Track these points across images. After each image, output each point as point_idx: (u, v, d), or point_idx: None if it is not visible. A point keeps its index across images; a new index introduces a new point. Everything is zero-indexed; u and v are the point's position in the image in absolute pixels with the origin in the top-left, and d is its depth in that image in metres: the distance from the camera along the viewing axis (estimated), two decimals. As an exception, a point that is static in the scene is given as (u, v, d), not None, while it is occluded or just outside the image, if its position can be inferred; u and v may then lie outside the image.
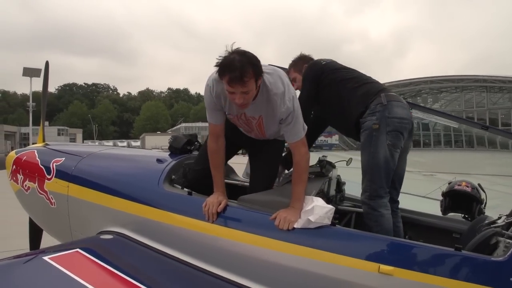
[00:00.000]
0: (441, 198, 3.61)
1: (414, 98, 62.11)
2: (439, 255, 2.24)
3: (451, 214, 3.58)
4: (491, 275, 2.13)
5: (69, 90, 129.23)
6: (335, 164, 3.10)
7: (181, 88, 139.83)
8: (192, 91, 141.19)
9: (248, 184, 3.73)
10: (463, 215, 3.53)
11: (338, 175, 3.33)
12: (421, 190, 4.30)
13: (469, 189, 3.50)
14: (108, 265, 2.55)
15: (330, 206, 2.49)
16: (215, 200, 2.69)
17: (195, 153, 3.64)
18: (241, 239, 2.58)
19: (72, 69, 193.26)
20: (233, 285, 2.53)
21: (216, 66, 2.42)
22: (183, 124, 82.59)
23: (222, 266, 2.61)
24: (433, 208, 3.54)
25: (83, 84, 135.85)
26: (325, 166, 2.97)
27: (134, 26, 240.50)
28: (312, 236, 2.45)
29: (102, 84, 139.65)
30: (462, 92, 60.18)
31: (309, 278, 2.38)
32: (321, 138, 3.23)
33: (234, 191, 3.47)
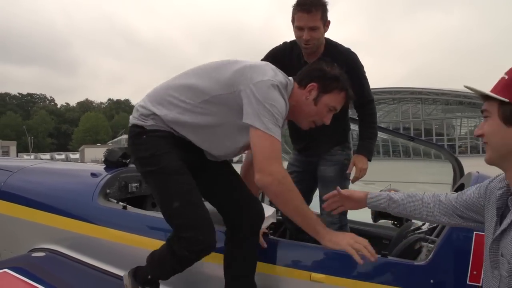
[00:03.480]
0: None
1: (353, 110, 64.15)
2: (367, 262, 2.35)
3: (381, 221, 3.76)
4: (415, 278, 2.28)
5: (1, 100, 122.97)
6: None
7: (122, 99, 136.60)
8: (134, 101, 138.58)
9: None
10: (392, 222, 3.72)
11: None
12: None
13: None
14: (40, 284, 2.47)
15: (272, 208, 2.56)
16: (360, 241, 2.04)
17: (132, 166, 3.60)
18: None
19: (6, 78, 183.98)
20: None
21: None
22: (124, 136, 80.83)
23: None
24: (366, 216, 3.69)
25: (17, 94, 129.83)
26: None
27: (73, 34, 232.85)
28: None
29: (38, 94, 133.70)
30: (399, 104, 62.83)
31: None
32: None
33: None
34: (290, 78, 2.25)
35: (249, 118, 2.00)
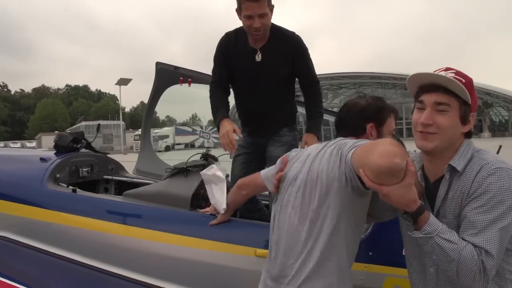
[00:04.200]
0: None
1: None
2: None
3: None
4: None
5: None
6: (217, 157, 3.26)
7: (81, 85, 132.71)
8: (93, 87, 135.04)
9: (137, 180, 3.78)
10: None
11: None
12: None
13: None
14: (-10, 273, 2.48)
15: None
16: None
17: (83, 151, 3.60)
18: (125, 233, 2.64)
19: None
20: (122, 279, 2.58)
21: None
22: (83, 123, 78.78)
23: (110, 261, 2.64)
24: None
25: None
26: (207, 159, 3.11)
27: (28, 16, 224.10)
28: (195, 226, 2.60)
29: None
30: (360, 88, 63.93)
31: (194, 267, 2.52)
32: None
33: (123, 188, 3.50)
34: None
35: None
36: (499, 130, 63.33)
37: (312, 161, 1.93)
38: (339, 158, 1.78)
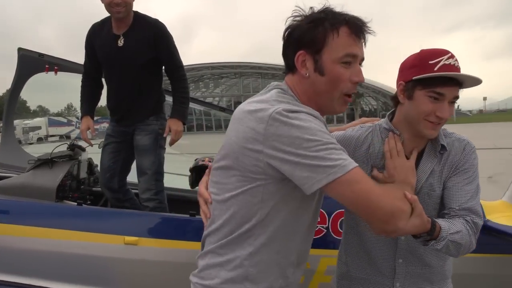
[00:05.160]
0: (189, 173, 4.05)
1: (196, 83, 65.05)
2: (178, 222, 2.60)
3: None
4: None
5: None
6: (85, 148, 3.21)
7: None
8: None
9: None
10: (209, 187, 4.05)
11: (90, 158, 3.44)
12: (180, 170, 4.69)
13: (211, 164, 4.03)
14: None
15: None
16: None
17: None
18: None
19: None
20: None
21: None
22: None
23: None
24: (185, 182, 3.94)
25: None
26: (74, 150, 3.06)
27: None
28: (58, 217, 2.56)
29: None
30: (240, 78, 65.31)
31: (65, 260, 2.48)
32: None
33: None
34: (273, 83, 1.57)
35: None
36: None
37: None
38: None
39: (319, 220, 2.01)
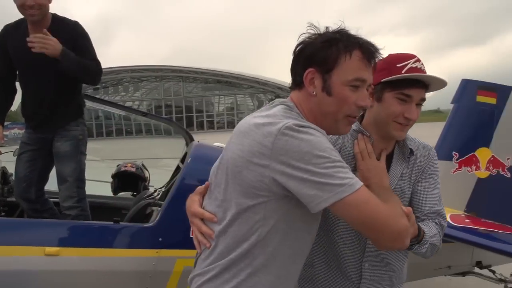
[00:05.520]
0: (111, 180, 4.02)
1: (115, 87, 63.04)
2: (100, 230, 2.56)
3: (121, 194, 4.02)
4: (145, 238, 2.56)
5: None
6: (-1, 154, 3.07)
7: None
8: None
9: None
10: (131, 192, 4.02)
11: (3, 167, 3.28)
12: (101, 176, 4.60)
13: (133, 170, 4.03)
14: None
15: None
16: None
17: None
18: None
19: None
20: None
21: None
22: None
23: None
24: (107, 189, 3.89)
25: None
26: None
27: None
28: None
29: None
30: (161, 82, 64.14)
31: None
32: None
33: None
34: (277, 99, 1.54)
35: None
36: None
37: None
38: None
39: None
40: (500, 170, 3.69)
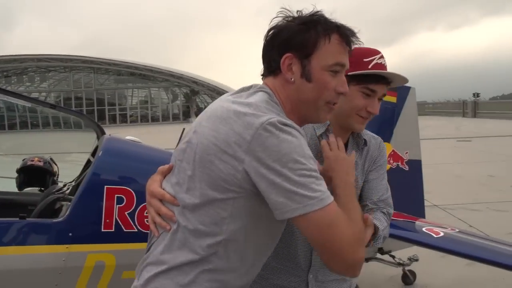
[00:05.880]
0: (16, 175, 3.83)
1: (19, 76, 58.90)
2: (5, 227, 2.44)
3: (28, 189, 3.83)
4: (55, 234, 2.49)
5: None
6: None
7: None
8: None
9: None
10: (39, 188, 3.85)
11: None
12: (5, 172, 4.36)
13: (41, 164, 3.86)
14: None
15: None
16: None
17: None
18: None
19: None
20: None
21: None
22: None
23: None
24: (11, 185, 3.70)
25: None
26: None
27: None
28: None
29: None
30: (71, 72, 60.97)
31: None
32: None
33: None
34: (255, 84, 1.45)
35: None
36: (204, 115, 70.28)
37: None
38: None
39: None
40: (399, 163, 4.04)
